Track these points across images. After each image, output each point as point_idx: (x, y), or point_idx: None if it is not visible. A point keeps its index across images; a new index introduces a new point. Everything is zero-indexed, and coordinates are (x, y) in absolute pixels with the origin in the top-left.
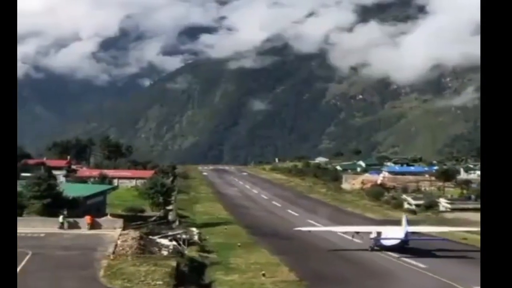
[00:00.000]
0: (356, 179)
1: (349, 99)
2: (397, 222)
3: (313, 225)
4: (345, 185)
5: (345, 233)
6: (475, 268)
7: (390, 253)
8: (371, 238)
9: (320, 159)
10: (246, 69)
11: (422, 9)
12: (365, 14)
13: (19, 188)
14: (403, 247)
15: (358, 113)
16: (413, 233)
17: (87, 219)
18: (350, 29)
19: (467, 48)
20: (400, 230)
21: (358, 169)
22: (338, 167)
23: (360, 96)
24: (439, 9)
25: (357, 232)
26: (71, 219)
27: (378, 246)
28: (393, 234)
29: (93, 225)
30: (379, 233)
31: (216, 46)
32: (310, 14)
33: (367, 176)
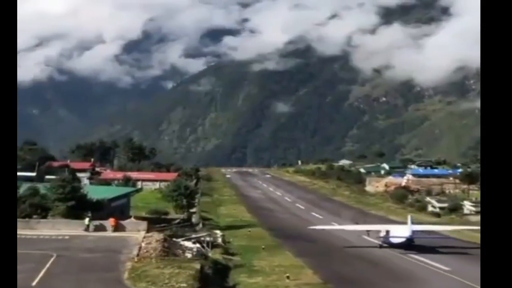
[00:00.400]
0: (379, 181)
1: (372, 102)
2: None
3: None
4: (368, 188)
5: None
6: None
7: (412, 255)
8: (380, 237)
9: (344, 162)
10: (269, 71)
11: (446, 11)
12: (388, 16)
13: (43, 191)
14: (409, 245)
15: (381, 116)
16: (418, 231)
17: (111, 221)
18: (373, 31)
19: None
20: (406, 229)
21: (382, 172)
22: (362, 170)
23: (384, 99)
24: (463, 11)
25: (368, 231)
26: (96, 222)
27: (386, 243)
28: (400, 232)
29: (117, 228)
30: (387, 232)
31: (239, 48)
32: (333, 16)
33: (390, 178)
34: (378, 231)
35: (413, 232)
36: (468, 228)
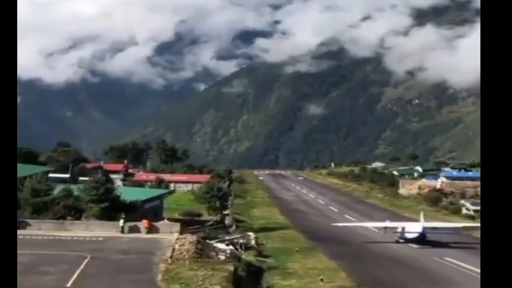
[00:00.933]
0: (413, 184)
1: (405, 104)
2: (458, 228)
3: (372, 231)
4: (402, 191)
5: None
6: None
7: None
8: (395, 232)
9: (377, 164)
10: (301, 73)
11: (479, 12)
12: (421, 18)
13: (77, 192)
14: (422, 240)
15: (414, 118)
16: (430, 228)
17: (144, 222)
18: (405, 33)
19: None
20: (419, 225)
21: (415, 174)
22: (395, 172)
23: (417, 101)
24: None
25: (385, 227)
26: (130, 223)
27: (402, 239)
28: (413, 228)
29: (151, 229)
30: (403, 228)
31: (271, 50)
32: (365, 18)
33: (424, 181)
34: (395, 228)
35: (425, 228)
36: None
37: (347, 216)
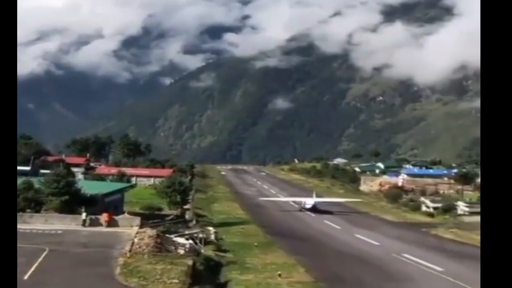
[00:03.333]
0: (374, 181)
1: (369, 101)
2: (416, 225)
3: (330, 226)
4: (363, 187)
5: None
6: None
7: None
8: (300, 205)
9: (339, 160)
10: (268, 69)
11: (449, 10)
12: (390, 15)
13: (37, 185)
14: (314, 209)
15: (378, 115)
16: (320, 202)
17: (104, 216)
18: (374, 29)
19: None
20: (312, 200)
21: (377, 171)
22: (357, 169)
23: (381, 98)
24: (466, 11)
25: (294, 201)
26: (93, 216)
27: (303, 208)
28: (309, 202)
29: (111, 223)
30: (304, 202)
31: (240, 45)
32: (335, 14)
33: (385, 178)
34: (300, 202)
35: (316, 202)
36: (355, 201)
37: (308, 212)
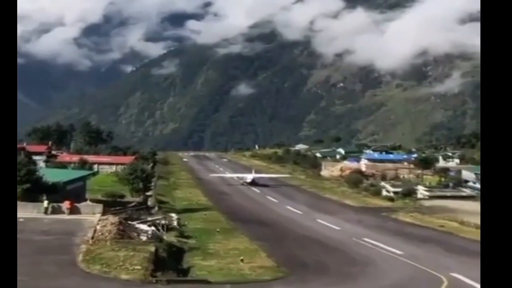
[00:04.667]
0: (335, 166)
1: (330, 87)
2: (377, 209)
3: (293, 212)
4: (324, 172)
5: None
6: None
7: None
8: (241, 179)
9: (300, 146)
10: (229, 56)
11: None
12: (352, 1)
13: None
14: (253, 183)
15: (338, 101)
16: (258, 177)
17: (66, 204)
18: (335, 16)
19: (453, 36)
20: (251, 176)
21: (338, 157)
22: (318, 154)
23: (341, 84)
24: None
25: (238, 177)
26: (55, 204)
27: (245, 182)
28: (249, 178)
29: (73, 210)
30: (245, 177)
31: (202, 32)
32: (298, 1)
33: (345, 163)
34: (242, 177)
35: (254, 177)
36: (285, 176)
37: (269, 198)
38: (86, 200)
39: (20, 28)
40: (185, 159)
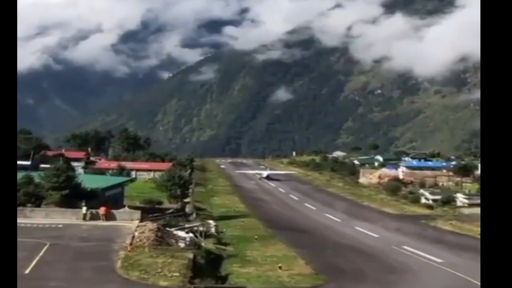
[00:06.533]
0: (373, 173)
1: (368, 94)
2: (416, 217)
3: (331, 219)
4: (362, 180)
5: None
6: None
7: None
8: (260, 175)
9: (338, 153)
10: (267, 62)
11: (451, 2)
12: (391, 7)
13: (38, 179)
14: (268, 178)
15: (376, 108)
16: (273, 173)
17: (101, 210)
18: (374, 22)
19: None
20: (267, 172)
21: (376, 164)
22: (356, 162)
23: (379, 91)
24: (467, 3)
25: (256, 173)
26: (93, 210)
27: (262, 178)
28: (264, 174)
29: (108, 216)
30: (261, 174)
31: (240, 38)
32: (336, 6)
33: (384, 170)
34: (260, 173)
35: (269, 174)
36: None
37: (307, 205)
38: (124, 206)
39: (58, 35)
40: (222, 166)
